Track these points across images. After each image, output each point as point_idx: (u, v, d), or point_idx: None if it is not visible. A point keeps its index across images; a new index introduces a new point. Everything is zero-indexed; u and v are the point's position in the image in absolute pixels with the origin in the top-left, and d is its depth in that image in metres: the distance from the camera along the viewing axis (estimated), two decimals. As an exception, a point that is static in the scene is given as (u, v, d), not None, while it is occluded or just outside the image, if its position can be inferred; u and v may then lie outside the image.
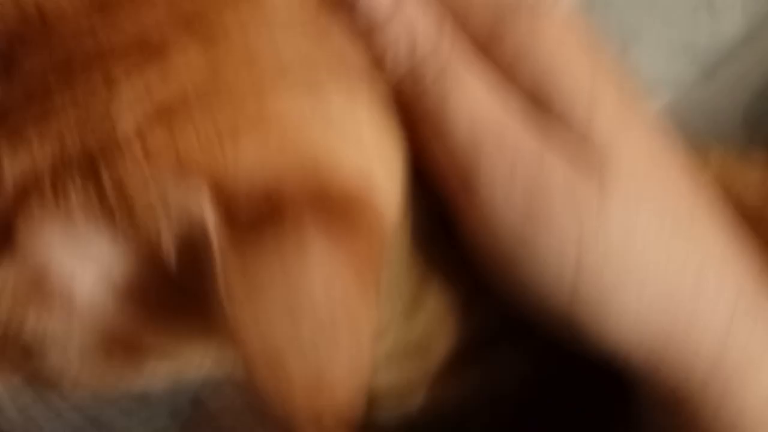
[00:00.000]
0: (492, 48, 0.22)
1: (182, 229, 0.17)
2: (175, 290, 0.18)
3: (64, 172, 0.17)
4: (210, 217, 0.16)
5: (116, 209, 0.17)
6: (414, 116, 0.21)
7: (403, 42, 0.20)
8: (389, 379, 0.27)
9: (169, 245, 0.18)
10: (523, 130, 0.21)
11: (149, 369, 0.21)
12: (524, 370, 0.28)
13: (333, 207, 0.17)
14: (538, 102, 0.22)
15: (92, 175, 0.17)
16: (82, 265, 0.17)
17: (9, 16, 0.18)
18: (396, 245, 0.22)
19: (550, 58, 0.22)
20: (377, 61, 0.21)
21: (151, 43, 0.18)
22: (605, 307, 0.21)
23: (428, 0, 0.21)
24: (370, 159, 0.19)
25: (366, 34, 0.20)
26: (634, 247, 0.21)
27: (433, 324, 0.26)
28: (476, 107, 0.21)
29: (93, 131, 0.17)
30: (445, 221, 0.23)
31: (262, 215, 0.16)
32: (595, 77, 0.23)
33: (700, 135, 0.86)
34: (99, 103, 0.17)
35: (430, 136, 0.21)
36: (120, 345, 0.19)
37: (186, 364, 0.22)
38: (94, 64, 0.17)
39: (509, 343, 0.28)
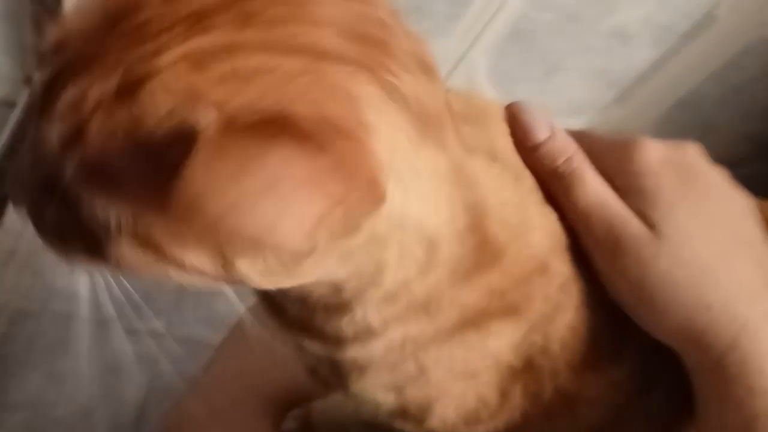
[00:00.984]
0: (603, 162, 0.35)
1: (175, 122, 0.22)
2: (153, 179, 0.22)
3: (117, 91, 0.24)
4: (205, 119, 0.22)
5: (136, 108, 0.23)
6: (554, 191, 0.34)
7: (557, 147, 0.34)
8: None
9: (160, 130, 0.23)
10: (619, 208, 0.33)
11: (173, 273, 0.26)
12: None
13: (308, 133, 0.22)
14: (624, 193, 0.34)
15: (132, 88, 0.23)
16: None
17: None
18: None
19: (636, 171, 0.34)
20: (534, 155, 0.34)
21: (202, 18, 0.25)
22: (656, 308, 0.32)
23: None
24: (370, 127, 0.25)
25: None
26: (677, 273, 0.32)
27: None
28: (591, 191, 0.33)
29: (143, 63, 0.24)
30: None
31: (251, 130, 0.22)
32: (661, 182, 0.34)
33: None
34: (152, 51, 0.24)
35: (564, 205, 0.34)
36: (142, 242, 0.24)
37: (195, 273, 0.26)
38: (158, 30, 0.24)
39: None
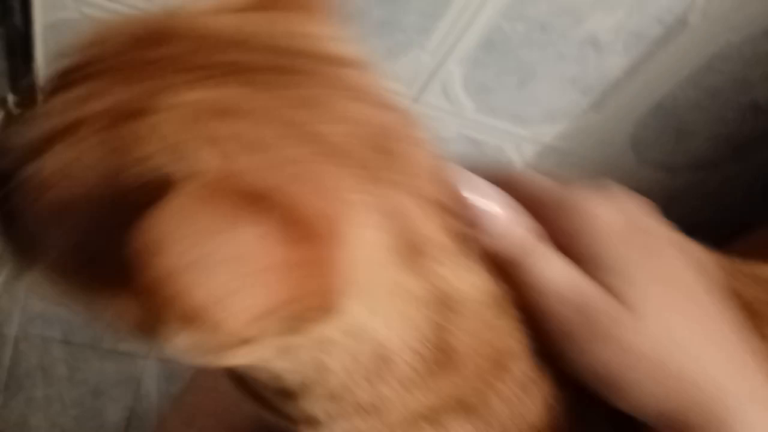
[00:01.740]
0: (552, 225, 0.31)
1: (155, 166, 0.21)
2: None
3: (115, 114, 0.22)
4: (187, 172, 0.21)
5: (125, 142, 0.22)
6: (512, 276, 0.30)
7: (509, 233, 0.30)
8: None
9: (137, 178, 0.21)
10: (591, 287, 0.30)
11: (89, 310, 0.24)
12: None
13: (293, 224, 0.21)
14: (587, 266, 0.31)
15: (126, 117, 0.22)
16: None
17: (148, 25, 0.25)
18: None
19: (597, 240, 0.31)
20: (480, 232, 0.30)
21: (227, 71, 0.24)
22: (636, 391, 0.30)
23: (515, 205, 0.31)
24: (349, 229, 0.24)
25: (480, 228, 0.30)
26: (656, 351, 0.30)
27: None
28: (558, 271, 0.30)
29: (148, 96, 0.22)
30: None
31: (233, 198, 0.20)
32: (626, 253, 0.31)
33: (593, 159, 0.94)
34: (162, 87, 0.23)
35: (523, 290, 0.30)
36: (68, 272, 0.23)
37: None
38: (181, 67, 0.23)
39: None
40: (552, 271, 0.30)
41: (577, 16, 0.74)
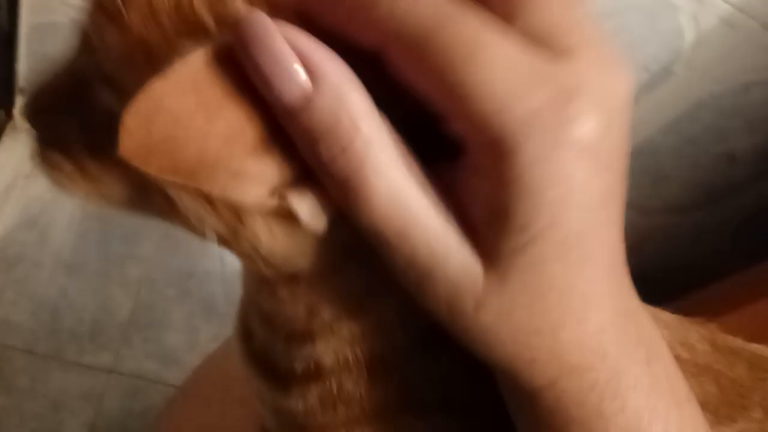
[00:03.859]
0: None
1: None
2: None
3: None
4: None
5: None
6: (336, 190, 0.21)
7: (321, 127, 0.20)
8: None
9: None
10: (432, 224, 0.22)
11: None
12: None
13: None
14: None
15: None
16: None
17: None
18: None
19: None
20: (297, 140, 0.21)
21: None
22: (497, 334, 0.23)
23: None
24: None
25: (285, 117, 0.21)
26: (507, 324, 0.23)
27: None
28: (384, 193, 0.21)
29: None
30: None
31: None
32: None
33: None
34: None
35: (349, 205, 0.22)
36: None
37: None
38: None
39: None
40: (379, 190, 0.20)
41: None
